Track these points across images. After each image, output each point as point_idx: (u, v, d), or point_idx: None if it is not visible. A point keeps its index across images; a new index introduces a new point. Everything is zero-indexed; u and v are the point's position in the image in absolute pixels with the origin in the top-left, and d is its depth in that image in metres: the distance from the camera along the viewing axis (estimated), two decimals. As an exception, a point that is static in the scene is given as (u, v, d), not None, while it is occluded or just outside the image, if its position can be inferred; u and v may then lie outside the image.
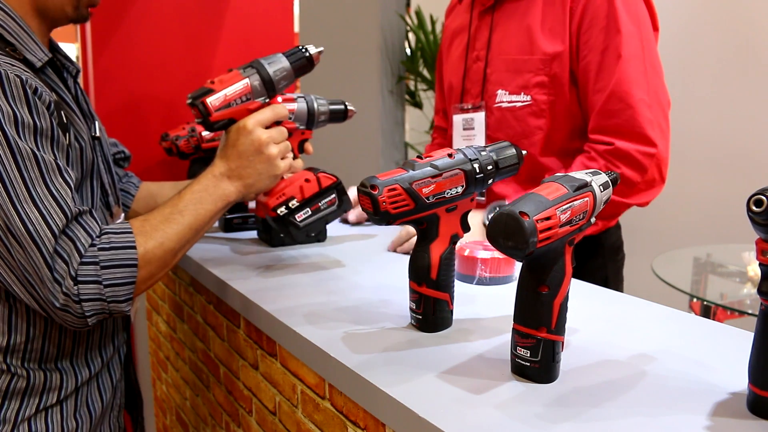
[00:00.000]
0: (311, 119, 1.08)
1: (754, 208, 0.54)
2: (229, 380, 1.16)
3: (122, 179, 1.24)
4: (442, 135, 1.61)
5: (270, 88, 1.01)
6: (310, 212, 1.05)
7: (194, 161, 1.53)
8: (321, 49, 1.05)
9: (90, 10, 0.99)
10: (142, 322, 1.72)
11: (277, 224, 1.06)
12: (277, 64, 1.01)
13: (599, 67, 1.19)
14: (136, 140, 1.50)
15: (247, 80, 0.99)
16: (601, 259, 1.36)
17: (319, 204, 1.06)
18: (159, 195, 1.24)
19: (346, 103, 1.16)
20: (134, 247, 0.83)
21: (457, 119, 1.38)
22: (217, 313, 1.18)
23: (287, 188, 1.04)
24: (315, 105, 1.10)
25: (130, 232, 0.84)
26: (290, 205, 1.04)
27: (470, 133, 1.35)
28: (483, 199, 1.36)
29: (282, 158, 1.00)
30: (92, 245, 0.81)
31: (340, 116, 1.16)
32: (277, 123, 1.01)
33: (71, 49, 1.73)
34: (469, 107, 1.36)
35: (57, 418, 0.92)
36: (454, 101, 1.42)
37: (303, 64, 1.04)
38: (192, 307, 1.33)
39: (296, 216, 1.04)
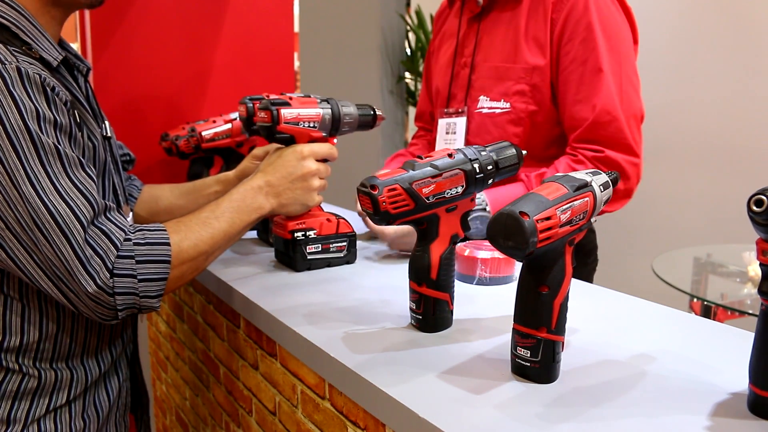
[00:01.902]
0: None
1: (754, 208, 0.54)
2: (229, 380, 1.16)
3: (125, 182, 1.24)
4: (424, 143, 1.58)
5: (335, 127, 1.08)
6: (320, 249, 1.09)
7: (194, 161, 1.53)
8: (384, 116, 1.14)
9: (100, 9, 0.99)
10: (143, 322, 1.72)
11: (286, 247, 1.09)
12: (349, 109, 1.09)
13: (580, 79, 1.21)
14: (135, 140, 1.50)
15: (321, 110, 1.05)
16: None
17: (330, 245, 1.10)
18: (160, 197, 1.24)
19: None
20: (168, 244, 0.85)
21: (442, 123, 1.40)
22: (216, 313, 1.18)
23: (309, 219, 1.09)
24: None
25: (164, 230, 0.86)
26: (308, 234, 1.08)
27: (452, 137, 1.37)
28: None
29: (318, 193, 1.06)
30: (127, 239, 0.82)
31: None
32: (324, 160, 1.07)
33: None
34: (452, 111, 1.37)
35: (66, 418, 0.92)
36: (440, 105, 1.43)
37: (367, 120, 1.12)
38: (192, 307, 1.33)
39: (308, 247, 1.08)
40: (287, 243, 1.09)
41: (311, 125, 1.04)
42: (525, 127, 1.27)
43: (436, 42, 1.52)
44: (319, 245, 1.09)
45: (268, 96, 1.06)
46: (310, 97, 1.06)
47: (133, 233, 0.83)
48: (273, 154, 1.05)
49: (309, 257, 1.08)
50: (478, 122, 1.32)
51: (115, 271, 0.80)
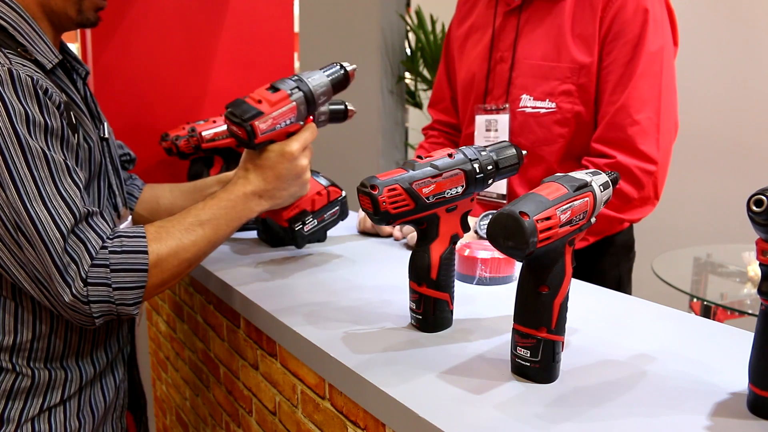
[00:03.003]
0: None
1: (754, 208, 0.54)
2: (229, 380, 1.16)
3: (126, 181, 1.24)
4: (442, 132, 1.56)
5: (312, 108, 1.01)
6: (316, 223, 1.10)
7: (194, 161, 1.53)
8: (354, 66, 1.06)
9: (99, 14, 0.98)
10: (142, 322, 1.72)
11: (284, 231, 1.10)
12: (319, 80, 1.01)
13: (618, 80, 1.18)
14: (135, 140, 1.50)
15: (294, 103, 0.98)
16: (615, 258, 1.35)
17: (325, 215, 1.11)
18: (161, 197, 1.24)
19: (347, 104, 1.15)
20: (146, 252, 0.83)
21: (480, 120, 1.36)
22: (217, 313, 1.18)
23: (300, 200, 1.07)
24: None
25: (143, 237, 0.84)
26: (304, 220, 1.08)
27: (493, 134, 1.34)
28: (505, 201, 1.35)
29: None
30: (103, 247, 0.81)
31: (340, 116, 1.14)
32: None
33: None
34: (494, 108, 1.34)
35: (60, 418, 0.92)
36: (475, 100, 1.39)
37: (340, 80, 1.03)
38: (192, 307, 1.33)
39: (305, 227, 1.09)
40: (284, 229, 1.09)
41: (288, 122, 0.98)
42: (571, 127, 1.25)
43: (461, 30, 1.47)
44: (315, 220, 1.09)
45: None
46: (278, 90, 0.98)
47: (111, 240, 0.82)
48: (255, 152, 0.99)
49: (307, 233, 1.09)
50: (521, 121, 1.30)
51: (89, 280, 0.79)
